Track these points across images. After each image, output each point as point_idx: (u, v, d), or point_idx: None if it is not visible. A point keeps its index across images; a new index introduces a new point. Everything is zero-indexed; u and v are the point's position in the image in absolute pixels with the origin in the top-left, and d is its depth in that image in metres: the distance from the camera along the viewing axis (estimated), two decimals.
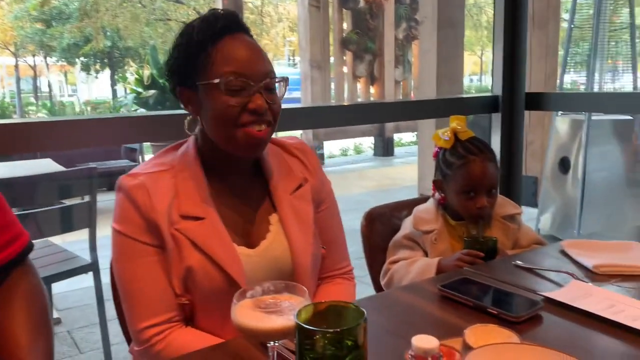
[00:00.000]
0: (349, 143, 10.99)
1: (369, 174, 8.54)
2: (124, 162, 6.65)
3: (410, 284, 1.22)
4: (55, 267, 2.47)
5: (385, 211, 1.69)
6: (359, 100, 9.27)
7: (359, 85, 9.75)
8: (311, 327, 0.64)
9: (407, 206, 1.70)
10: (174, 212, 1.05)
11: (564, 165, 4.36)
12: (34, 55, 19.47)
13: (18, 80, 19.40)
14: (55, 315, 3.17)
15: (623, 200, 4.13)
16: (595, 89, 4.08)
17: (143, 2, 15.84)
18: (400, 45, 9.94)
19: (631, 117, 4.13)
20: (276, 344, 0.74)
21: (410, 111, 2.35)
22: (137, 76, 10.26)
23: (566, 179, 4.33)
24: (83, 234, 2.57)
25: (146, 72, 9.88)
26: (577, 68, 4.48)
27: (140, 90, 9.87)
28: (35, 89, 20.83)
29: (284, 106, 1.14)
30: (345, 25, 9.30)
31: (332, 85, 9.18)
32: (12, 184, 2.51)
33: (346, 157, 10.60)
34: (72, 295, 3.46)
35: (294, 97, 9.40)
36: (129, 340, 1.16)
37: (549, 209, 4.47)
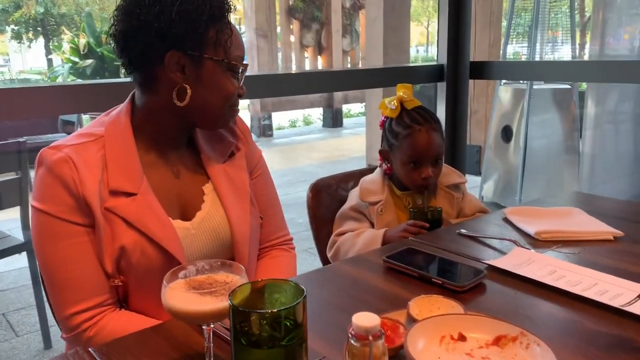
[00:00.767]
0: (297, 114, 10.90)
1: (318, 146, 8.51)
2: (60, 136, 6.33)
3: (355, 257, 1.20)
4: None
5: (331, 182, 1.66)
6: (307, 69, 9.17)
7: (307, 55, 9.62)
8: (245, 309, 0.60)
9: (354, 177, 1.68)
10: (103, 188, 0.98)
11: (506, 133, 4.47)
12: None
13: None
14: None
15: (562, 167, 4.29)
16: (537, 59, 4.16)
17: None
18: (348, 14, 9.85)
19: (570, 86, 4.25)
20: (212, 325, 0.69)
21: (357, 80, 2.31)
22: (72, 45, 9.72)
23: (508, 148, 4.45)
24: (14, 212, 2.43)
25: (82, 41, 9.37)
26: (519, 39, 4.56)
27: (76, 59, 9.37)
28: None
29: None
30: None
31: (279, 55, 9.02)
32: None
33: (295, 128, 10.52)
34: (6, 277, 3.30)
35: None
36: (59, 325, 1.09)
37: (492, 177, 4.59)
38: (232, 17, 1.08)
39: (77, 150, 0.98)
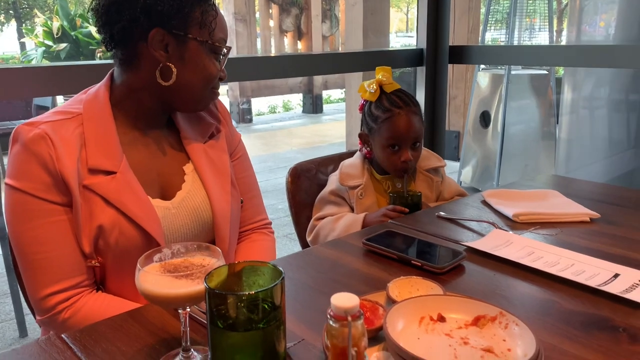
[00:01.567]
0: (277, 100, 10.82)
1: (298, 132, 8.47)
2: None
3: (335, 240, 1.19)
4: None
5: (310, 166, 1.64)
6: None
7: (286, 40, 9.54)
8: (222, 291, 0.59)
9: (333, 161, 1.67)
10: (82, 166, 0.95)
11: (484, 119, 4.50)
12: None
13: None
14: None
15: (539, 152, 4.34)
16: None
17: None
18: None
19: (547, 72, 4.29)
20: (188, 309, 0.68)
21: (337, 64, 2.29)
22: (45, 28, 9.47)
23: (486, 133, 4.48)
24: None
25: (56, 24, 9.13)
26: (498, 26, 4.58)
27: (50, 43, 9.14)
28: None
29: None
30: None
31: (259, 40, 8.91)
32: None
33: (275, 114, 10.45)
34: None
35: None
36: (33, 311, 1.06)
37: (470, 162, 4.63)
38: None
39: (55, 127, 0.95)
